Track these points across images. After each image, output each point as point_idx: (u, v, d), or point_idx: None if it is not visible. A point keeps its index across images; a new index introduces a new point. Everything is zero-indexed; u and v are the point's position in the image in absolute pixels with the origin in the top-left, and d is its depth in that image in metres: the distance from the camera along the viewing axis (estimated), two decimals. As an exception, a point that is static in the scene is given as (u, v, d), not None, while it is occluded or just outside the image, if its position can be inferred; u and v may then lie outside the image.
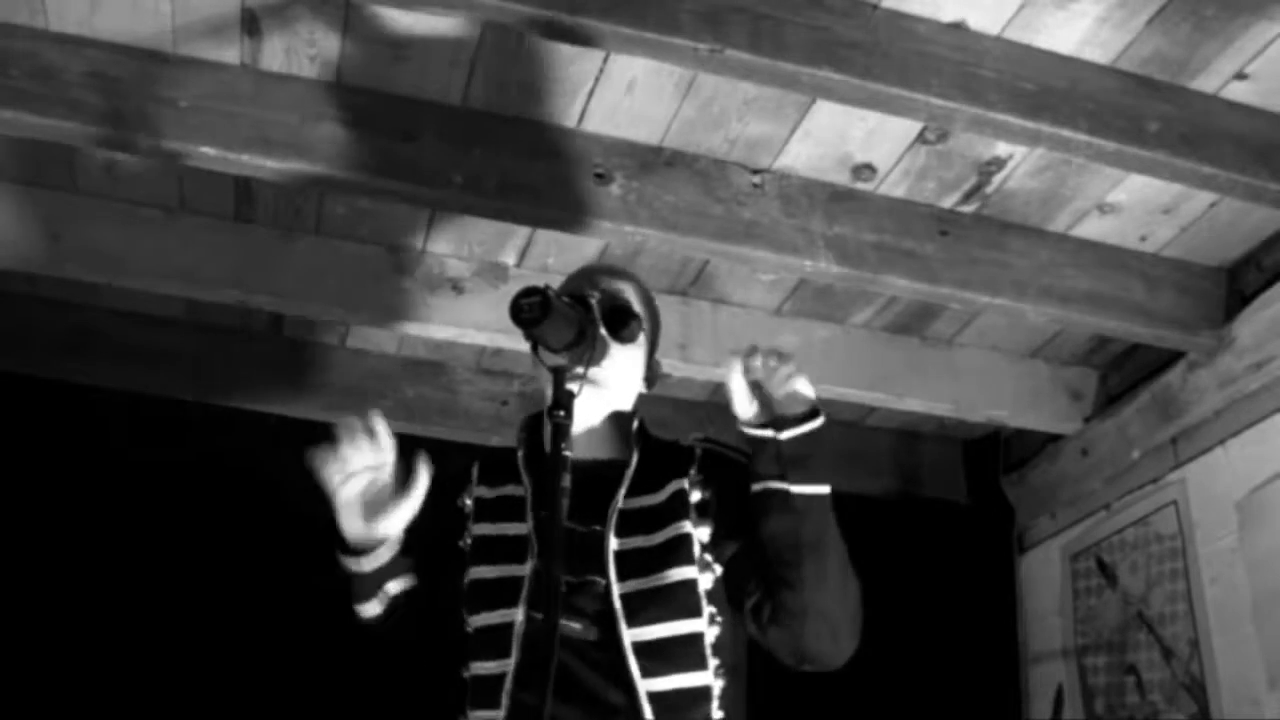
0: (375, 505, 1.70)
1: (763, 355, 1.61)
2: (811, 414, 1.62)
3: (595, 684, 1.59)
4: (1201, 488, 2.71)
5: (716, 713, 1.61)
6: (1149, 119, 2.09)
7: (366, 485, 1.69)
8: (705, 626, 1.62)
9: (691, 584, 1.64)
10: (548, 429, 1.58)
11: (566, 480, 1.45)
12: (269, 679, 2.64)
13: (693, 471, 1.73)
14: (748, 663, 1.72)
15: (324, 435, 1.69)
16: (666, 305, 1.95)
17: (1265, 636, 2.48)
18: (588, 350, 1.60)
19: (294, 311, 2.68)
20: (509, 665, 1.62)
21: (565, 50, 2.05)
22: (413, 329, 2.67)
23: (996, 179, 2.41)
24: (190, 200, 2.50)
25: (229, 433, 2.84)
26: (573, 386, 1.55)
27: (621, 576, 1.64)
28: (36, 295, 2.81)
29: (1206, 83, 2.13)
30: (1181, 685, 2.68)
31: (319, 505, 1.74)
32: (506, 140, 2.23)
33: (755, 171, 2.39)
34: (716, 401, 3.08)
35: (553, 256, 2.66)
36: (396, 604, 1.75)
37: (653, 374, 1.85)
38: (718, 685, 1.61)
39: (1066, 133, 2.03)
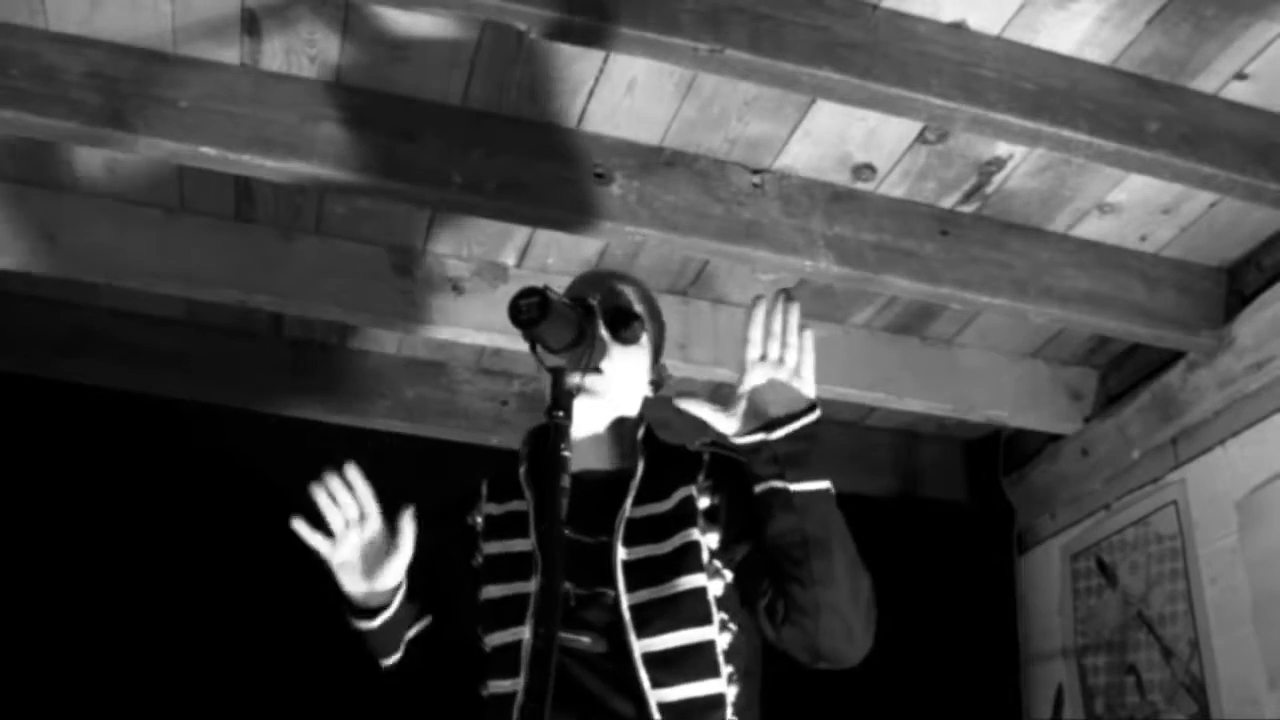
0: (372, 559, 1.71)
1: (767, 305, 1.60)
2: (806, 410, 1.60)
3: (605, 696, 1.58)
4: (1201, 488, 2.71)
5: (731, 719, 1.59)
6: (1149, 119, 2.09)
7: (359, 542, 1.71)
8: (716, 634, 1.61)
9: (701, 592, 1.62)
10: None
11: (566, 481, 1.44)
12: (269, 679, 2.64)
13: (700, 477, 1.71)
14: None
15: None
16: (666, 305, 1.94)
17: (1265, 636, 2.48)
18: (587, 351, 1.59)
19: (294, 311, 2.68)
20: (520, 684, 1.60)
21: (565, 50, 2.05)
22: (413, 329, 2.67)
23: (996, 179, 2.41)
24: (190, 200, 2.50)
25: (229, 433, 2.84)
26: (572, 387, 1.55)
27: (631, 587, 1.62)
28: (36, 295, 2.81)
29: (1206, 83, 2.13)
30: (1181, 685, 2.68)
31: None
32: (506, 140, 2.23)
33: (755, 171, 2.39)
34: (716, 402, 3.07)
35: (553, 256, 2.66)
36: (414, 648, 1.79)
37: (659, 378, 1.84)
38: (731, 692, 1.59)
39: (1066, 133, 2.03)
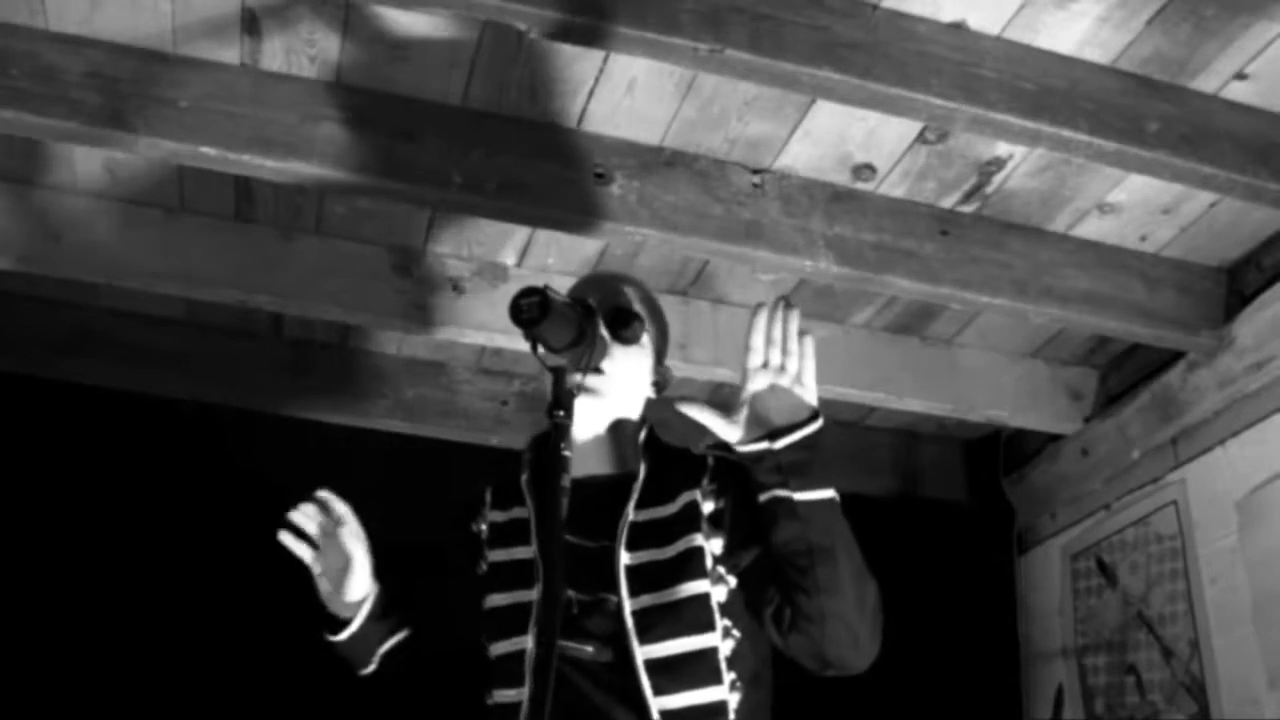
0: (336, 574, 1.81)
1: (769, 312, 1.59)
2: (809, 419, 1.59)
3: (606, 705, 1.57)
4: (1201, 488, 2.71)
5: None
6: (1149, 119, 2.09)
7: (342, 550, 1.79)
8: (719, 641, 1.60)
9: (704, 598, 1.61)
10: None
11: (567, 480, 1.44)
12: (269, 679, 2.64)
13: (705, 481, 1.70)
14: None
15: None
16: (667, 305, 1.94)
17: (1265, 636, 2.48)
18: (587, 350, 1.59)
19: (294, 311, 2.68)
20: (525, 694, 1.59)
21: (565, 50, 2.05)
22: (413, 329, 2.67)
23: (996, 179, 2.41)
24: (190, 200, 2.50)
25: (229, 433, 2.84)
26: (573, 386, 1.54)
27: (634, 592, 1.61)
28: (36, 295, 2.81)
29: (1206, 83, 2.13)
30: (1181, 685, 2.68)
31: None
32: (507, 140, 2.23)
33: (755, 171, 2.39)
34: (716, 402, 3.07)
35: (553, 256, 2.66)
36: (390, 661, 1.84)
37: (662, 379, 1.84)
38: (734, 699, 1.59)
39: (1066, 133, 2.03)
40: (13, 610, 2.58)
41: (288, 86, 2.15)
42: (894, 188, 2.44)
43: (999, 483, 3.38)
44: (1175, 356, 2.75)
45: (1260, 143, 2.15)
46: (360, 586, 1.81)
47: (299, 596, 1.88)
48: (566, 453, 1.46)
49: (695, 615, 1.60)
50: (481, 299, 2.65)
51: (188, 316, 2.90)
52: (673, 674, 1.57)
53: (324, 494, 1.82)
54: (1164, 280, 2.61)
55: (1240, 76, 2.11)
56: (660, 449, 1.78)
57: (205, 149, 2.09)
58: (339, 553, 1.80)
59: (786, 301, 1.62)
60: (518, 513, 1.77)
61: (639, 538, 1.66)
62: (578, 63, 2.12)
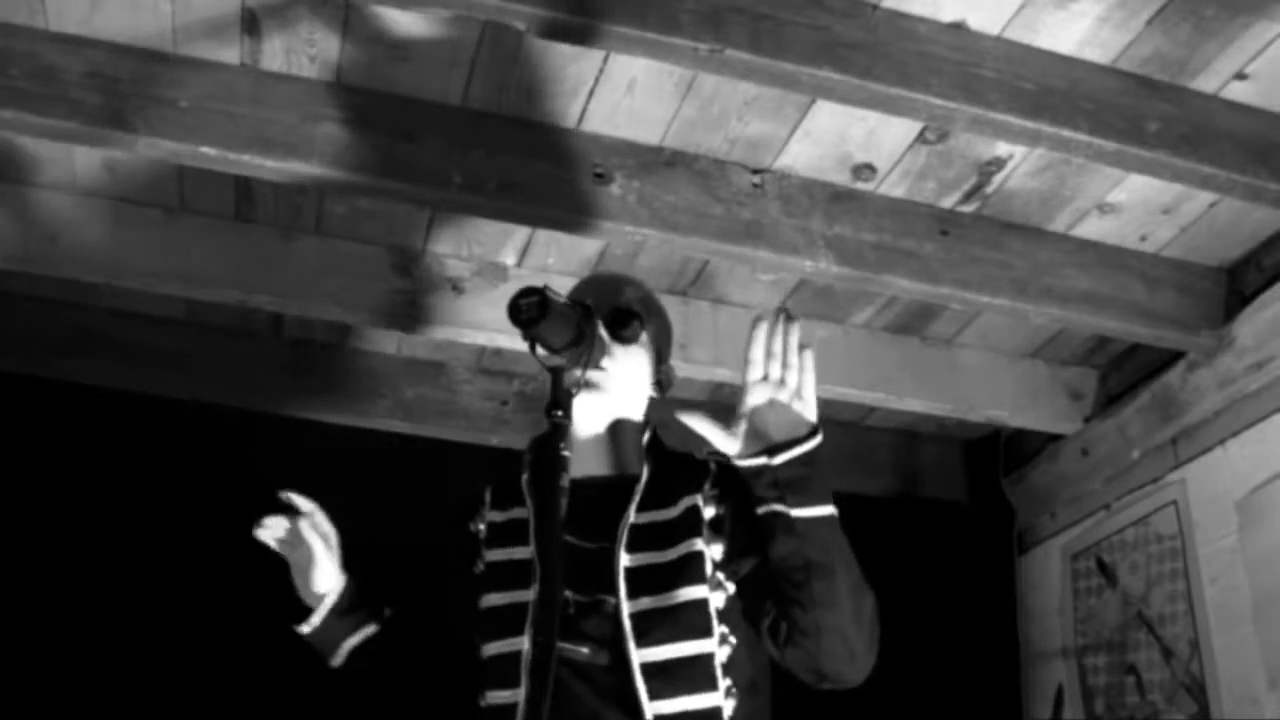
0: (304, 566, 1.84)
1: (769, 325, 1.58)
2: (808, 435, 1.57)
3: (600, 708, 1.57)
4: (1201, 488, 2.71)
5: None
6: (1149, 119, 2.09)
7: (306, 551, 1.82)
8: (715, 646, 1.59)
9: (702, 603, 1.61)
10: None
11: (566, 480, 1.44)
12: (269, 679, 2.64)
13: (707, 486, 1.70)
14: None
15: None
16: (666, 305, 1.95)
17: (1265, 636, 2.48)
18: (587, 350, 1.59)
19: (294, 311, 2.68)
20: (520, 695, 1.58)
21: (565, 50, 2.05)
22: (413, 329, 2.67)
23: (996, 179, 2.41)
24: (190, 200, 2.50)
25: (229, 433, 2.84)
26: (572, 385, 1.54)
27: (632, 594, 1.61)
28: (36, 295, 2.81)
29: (1206, 83, 2.13)
30: (1181, 685, 2.68)
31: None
32: (506, 140, 2.23)
33: (755, 171, 2.39)
34: (717, 401, 3.08)
35: (553, 256, 2.66)
36: (357, 657, 1.84)
37: (666, 379, 1.84)
38: (728, 705, 1.58)
39: (1066, 133, 2.03)
40: (13, 610, 2.58)
41: (288, 86, 2.15)
42: (894, 188, 2.44)
43: (999, 483, 3.38)
44: (1175, 356, 2.75)
45: (1260, 143, 2.15)
46: (325, 580, 1.82)
47: (296, 597, 1.89)
48: (566, 453, 1.46)
49: (693, 620, 1.60)
50: (481, 299, 2.65)
51: (188, 316, 2.90)
52: (668, 678, 1.57)
53: (286, 495, 1.83)
54: (1164, 280, 2.61)
55: (1240, 76, 2.11)
56: (663, 452, 1.78)
57: (205, 149, 2.08)
58: (306, 546, 1.82)
59: (787, 314, 1.60)
60: (517, 513, 1.77)
61: (639, 540, 1.65)
62: (577, 63, 2.12)
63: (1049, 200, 2.47)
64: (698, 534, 1.65)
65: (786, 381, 1.58)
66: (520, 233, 2.57)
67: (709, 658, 1.59)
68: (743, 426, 1.59)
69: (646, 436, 1.78)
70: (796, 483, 1.55)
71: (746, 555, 1.63)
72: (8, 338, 2.78)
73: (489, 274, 2.67)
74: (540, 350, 1.59)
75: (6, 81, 2.00)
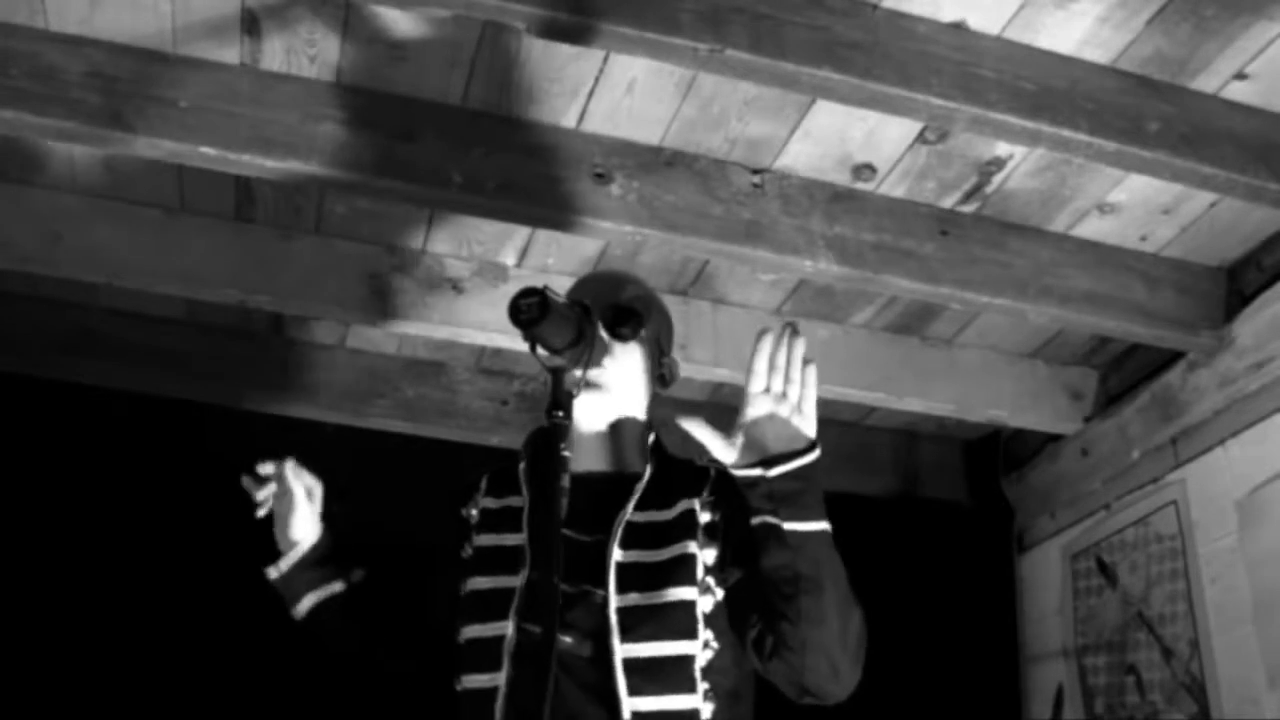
0: (283, 514, 1.88)
1: (773, 338, 1.58)
2: (806, 449, 1.57)
3: (578, 700, 1.57)
4: (1201, 488, 2.71)
5: None
6: (1149, 119, 2.09)
7: (294, 494, 1.86)
8: (698, 650, 1.60)
9: (690, 605, 1.62)
10: None
11: (566, 480, 1.45)
12: (269, 678, 2.64)
13: (705, 493, 1.71)
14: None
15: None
16: (666, 305, 1.95)
17: (1265, 636, 2.48)
18: (587, 350, 1.59)
19: (294, 311, 2.68)
20: (500, 679, 1.60)
21: (565, 50, 2.05)
22: (413, 329, 2.67)
23: (996, 179, 2.41)
24: (190, 200, 2.50)
25: (229, 433, 2.84)
26: (572, 385, 1.55)
27: (621, 589, 1.61)
28: (36, 295, 2.81)
29: (1206, 83, 2.13)
30: (1181, 685, 2.68)
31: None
32: (506, 140, 2.23)
33: (755, 171, 2.39)
34: (717, 402, 3.08)
35: (553, 256, 2.66)
36: (319, 613, 1.85)
37: (669, 373, 1.85)
38: (706, 709, 1.59)
39: (1066, 133, 2.03)
40: (13, 610, 2.58)
41: (288, 86, 2.15)
42: (894, 188, 2.44)
43: (999, 483, 3.38)
44: (1175, 356, 2.75)
45: (1260, 143, 2.15)
46: (302, 528, 1.85)
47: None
48: (566, 453, 1.46)
49: (679, 621, 1.61)
50: (481, 299, 2.65)
51: (188, 316, 2.90)
52: (649, 676, 1.58)
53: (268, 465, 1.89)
54: (1164, 280, 2.61)
55: (1240, 76, 2.11)
56: (665, 455, 1.79)
57: (205, 149, 2.08)
58: (290, 494, 1.86)
59: (793, 329, 1.60)
60: (512, 501, 1.78)
61: (633, 537, 1.66)
62: (577, 63, 2.12)
63: (1049, 200, 2.47)
64: (692, 537, 1.66)
65: (788, 395, 1.58)
66: (520, 233, 2.57)
67: (690, 660, 1.60)
68: (741, 437, 1.59)
69: (651, 438, 1.79)
70: (791, 496, 1.55)
71: (738, 563, 1.64)
72: (8, 338, 2.78)
73: (489, 274, 2.67)
74: (540, 351, 1.59)
75: (6, 81, 2.00)
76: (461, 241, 2.63)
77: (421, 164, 2.18)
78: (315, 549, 1.86)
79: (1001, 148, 2.31)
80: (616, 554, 1.64)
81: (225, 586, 2.66)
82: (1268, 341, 2.52)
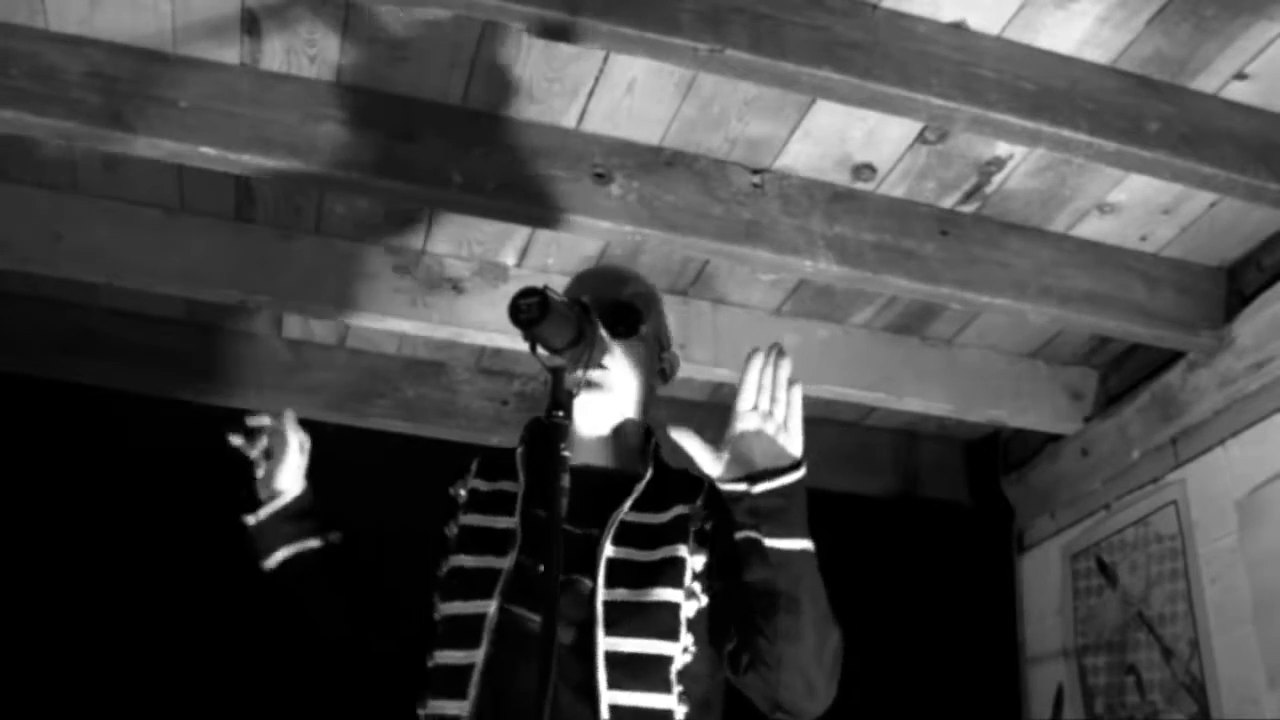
0: (270, 465, 1.88)
1: (763, 358, 1.60)
2: (790, 467, 1.58)
3: (558, 690, 1.54)
4: (1201, 488, 2.71)
5: None
6: (1149, 119, 2.09)
7: (287, 442, 1.87)
8: (677, 653, 1.61)
9: (674, 607, 1.63)
10: None
11: (566, 480, 1.45)
12: (268, 678, 2.64)
13: (699, 501, 1.73)
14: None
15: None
16: (667, 305, 1.95)
17: (1265, 636, 2.48)
18: (587, 349, 1.59)
19: (294, 311, 2.68)
20: (478, 656, 1.61)
21: (565, 50, 2.05)
22: (413, 329, 2.67)
23: (996, 179, 2.41)
24: (190, 200, 2.50)
25: (229, 433, 2.83)
26: (573, 386, 1.55)
27: (610, 583, 1.63)
28: (36, 295, 2.81)
29: (1206, 83, 2.13)
30: (1181, 685, 2.68)
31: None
32: (506, 140, 2.23)
33: (755, 171, 2.39)
34: (716, 402, 3.08)
35: (553, 256, 2.66)
36: (288, 567, 1.83)
37: (669, 367, 1.86)
38: (680, 711, 1.60)
39: (1066, 133, 2.03)
40: (13, 610, 2.58)
41: (288, 86, 2.15)
42: (894, 188, 2.44)
43: (999, 483, 3.38)
44: (1175, 356, 2.75)
45: (1260, 143, 2.15)
46: (286, 479, 1.85)
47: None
48: (566, 453, 1.47)
49: (662, 621, 1.62)
50: (481, 299, 2.66)
51: (188, 316, 2.90)
52: (629, 671, 1.59)
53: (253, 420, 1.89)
54: (1164, 280, 2.61)
55: (1240, 76, 2.11)
56: (663, 464, 1.80)
57: (205, 149, 2.09)
58: (284, 443, 1.86)
59: (780, 350, 1.62)
60: (505, 485, 1.79)
61: (626, 536, 1.67)
62: (577, 63, 2.12)
63: (1049, 200, 2.47)
64: (683, 541, 1.68)
65: (774, 414, 1.60)
66: (520, 233, 2.57)
67: (667, 661, 1.61)
68: (728, 451, 1.60)
69: (651, 441, 1.80)
70: (774, 513, 1.56)
71: (724, 574, 1.65)
72: (8, 338, 2.78)
73: (489, 274, 2.68)
74: (541, 350, 1.59)
75: (6, 81, 2.00)
76: (461, 241, 2.63)
77: (421, 164, 2.18)
78: (298, 500, 1.85)
79: (1001, 148, 2.31)
80: (608, 549, 1.65)
81: (224, 585, 2.67)
82: (1268, 341, 2.52)
